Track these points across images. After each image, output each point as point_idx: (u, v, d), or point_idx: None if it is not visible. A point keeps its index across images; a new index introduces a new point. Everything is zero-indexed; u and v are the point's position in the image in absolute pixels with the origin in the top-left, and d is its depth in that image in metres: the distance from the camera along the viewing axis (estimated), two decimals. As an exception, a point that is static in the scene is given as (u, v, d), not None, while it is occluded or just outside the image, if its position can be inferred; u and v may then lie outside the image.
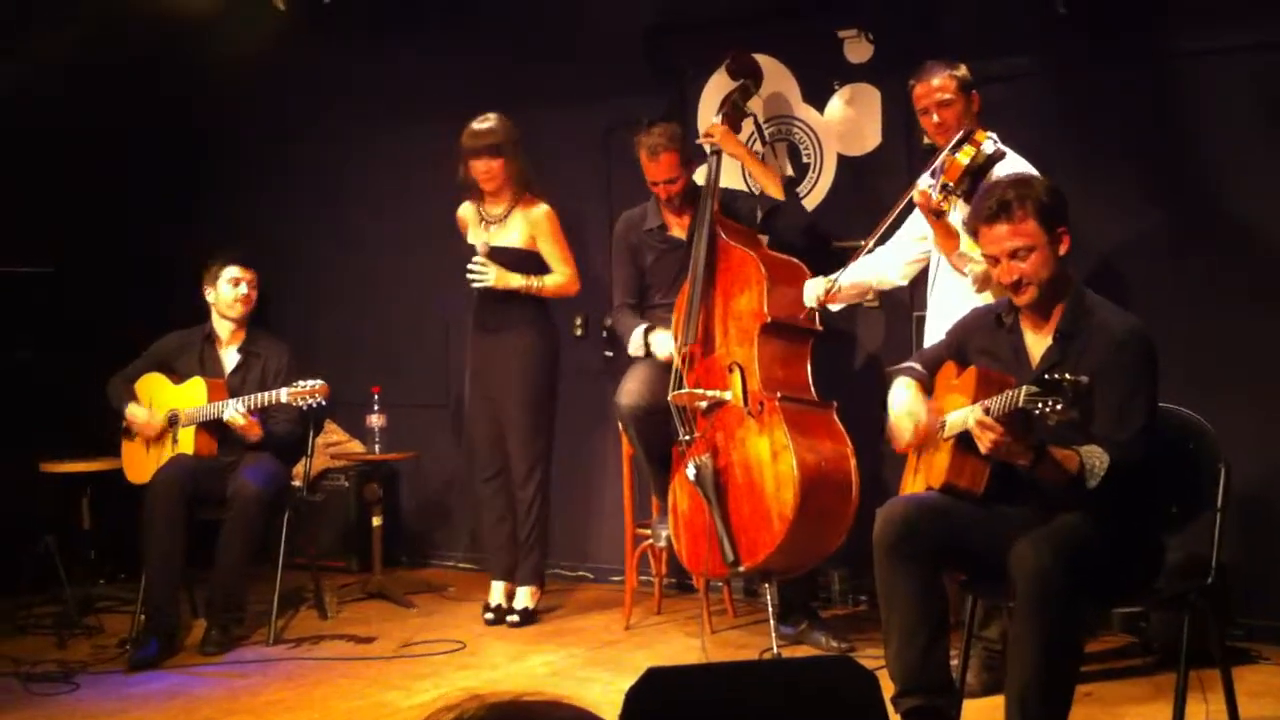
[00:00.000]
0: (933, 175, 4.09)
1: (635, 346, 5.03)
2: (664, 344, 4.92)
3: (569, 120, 5.96)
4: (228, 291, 5.29)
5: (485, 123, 5.21)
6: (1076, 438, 3.23)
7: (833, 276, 4.58)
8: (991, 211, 3.39)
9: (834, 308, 4.76)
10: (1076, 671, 3.27)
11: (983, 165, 4.05)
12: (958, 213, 4.12)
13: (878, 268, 4.61)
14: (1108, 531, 3.23)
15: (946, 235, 4.16)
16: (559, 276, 5.26)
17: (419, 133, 6.39)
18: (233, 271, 5.28)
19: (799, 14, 5.49)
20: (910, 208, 4.43)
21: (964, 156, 4.02)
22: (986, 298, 4.04)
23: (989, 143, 4.03)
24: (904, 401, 3.65)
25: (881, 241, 4.51)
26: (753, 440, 4.58)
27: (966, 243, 4.09)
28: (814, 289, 4.63)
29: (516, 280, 5.19)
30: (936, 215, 4.10)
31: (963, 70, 4.29)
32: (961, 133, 4.10)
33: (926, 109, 4.31)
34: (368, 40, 6.40)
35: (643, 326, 5.03)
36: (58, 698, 4.43)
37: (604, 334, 5.85)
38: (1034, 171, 4.13)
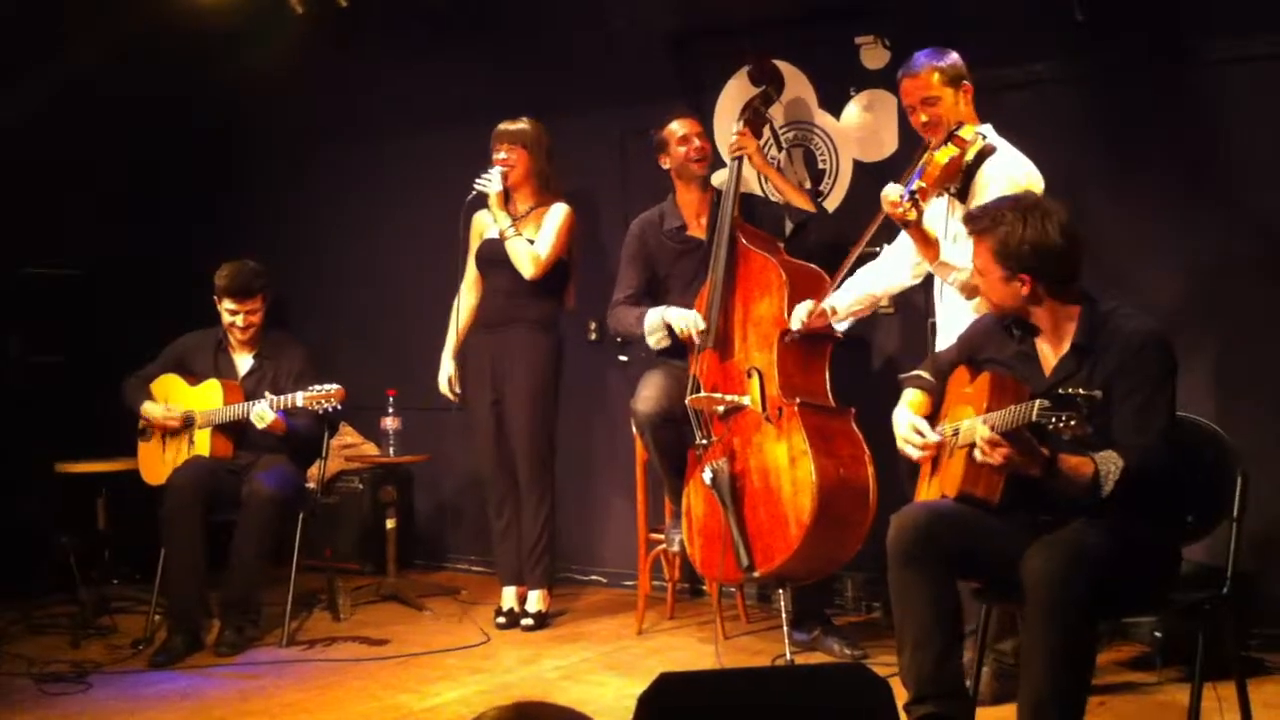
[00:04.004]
0: (904, 181, 3.91)
1: (653, 324, 4.97)
2: (684, 315, 4.88)
3: (588, 125, 5.96)
4: (226, 319, 5.32)
5: (515, 121, 5.31)
6: (1094, 442, 3.22)
7: (826, 301, 4.49)
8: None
9: (840, 326, 4.64)
10: (1089, 681, 3.25)
11: (971, 163, 3.91)
12: (955, 218, 4.06)
13: (883, 277, 4.51)
14: (1123, 540, 3.21)
15: (924, 243, 4.01)
16: (533, 248, 5.20)
17: (438, 137, 6.41)
18: (227, 304, 5.29)
19: (816, 21, 5.48)
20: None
21: (943, 156, 3.87)
22: (979, 305, 3.90)
23: (977, 138, 3.88)
24: (905, 423, 3.64)
25: (861, 260, 4.41)
26: (770, 446, 4.57)
27: (946, 250, 4.03)
28: (799, 312, 4.53)
29: (504, 220, 5.21)
30: (903, 225, 3.95)
31: (949, 60, 4.13)
32: (945, 131, 3.97)
33: (912, 106, 4.17)
34: (389, 45, 6.40)
35: (660, 307, 5.01)
36: (71, 697, 4.44)
37: (618, 339, 5.85)
38: (1028, 164, 4.04)
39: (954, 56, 4.16)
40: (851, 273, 4.47)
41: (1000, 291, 3.43)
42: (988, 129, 4.07)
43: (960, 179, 3.95)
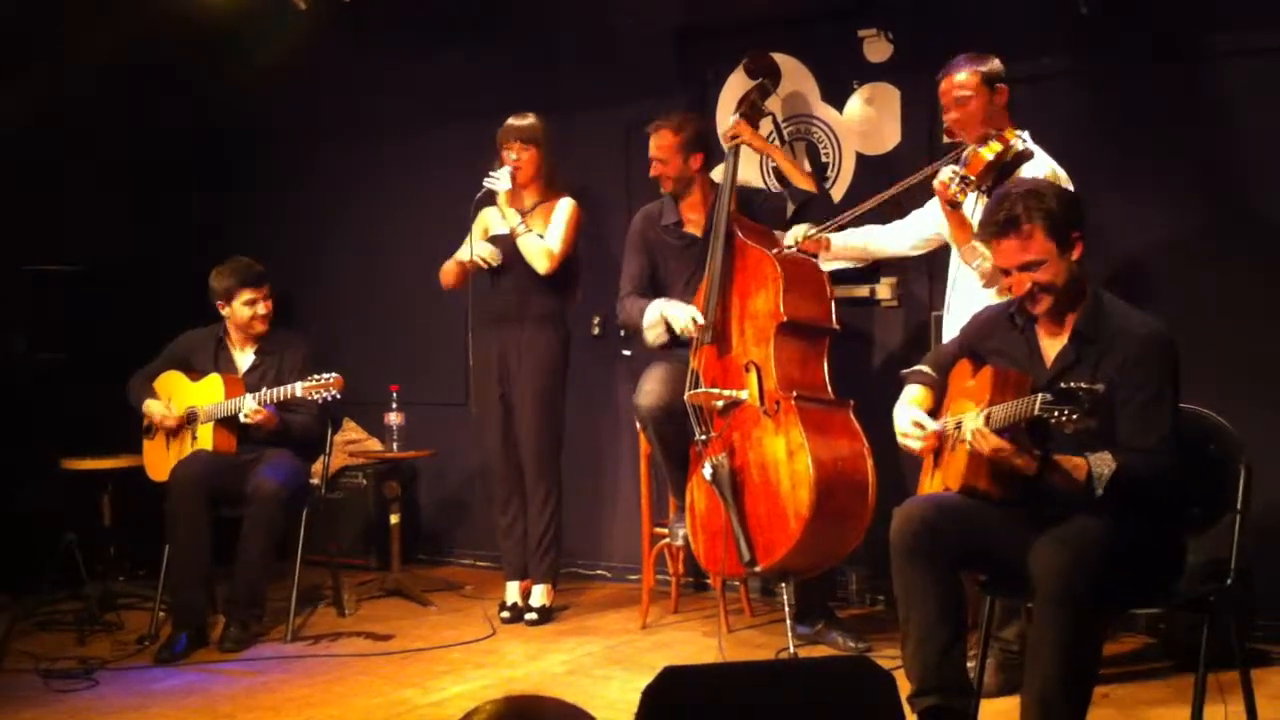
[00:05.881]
0: (955, 165, 4.06)
1: (651, 319, 4.99)
2: (682, 311, 4.89)
3: (591, 121, 5.97)
4: (245, 312, 5.28)
5: (524, 117, 5.31)
6: (1096, 444, 3.22)
7: (823, 228, 4.63)
8: (999, 226, 3.36)
9: (826, 265, 4.80)
10: (1095, 673, 3.25)
11: (1009, 163, 3.99)
12: (980, 208, 4.10)
13: (879, 239, 4.71)
14: (1128, 533, 3.21)
15: (960, 227, 4.16)
16: (545, 243, 5.23)
17: (441, 133, 6.42)
18: (246, 295, 5.27)
19: (819, 14, 5.48)
20: (929, 193, 4.41)
21: (988, 151, 3.97)
22: (994, 294, 4.03)
23: (1018, 140, 3.98)
24: (905, 417, 3.64)
25: (877, 218, 4.61)
26: (769, 440, 4.57)
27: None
28: (795, 232, 4.69)
29: (514, 217, 5.22)
30: (952, 205, 4.09)
31: (991, 65, 4.24)
32: (993, 130, 4.08)
33: (947, 105, 4.28)
34: (393, 42, 6.41)
35: (659, 300, 5.02)
36: (77, 694, 4.45)
37: (621, 333, 5.85)
38: (1062, 173, 4.12)
39: (995, 62, 4.27)
40: (854, 223, 4.63)
41: (1064, 270, 3.36)
42: (1025, 135, 4.13)
43: (995, 177, 4.01)
